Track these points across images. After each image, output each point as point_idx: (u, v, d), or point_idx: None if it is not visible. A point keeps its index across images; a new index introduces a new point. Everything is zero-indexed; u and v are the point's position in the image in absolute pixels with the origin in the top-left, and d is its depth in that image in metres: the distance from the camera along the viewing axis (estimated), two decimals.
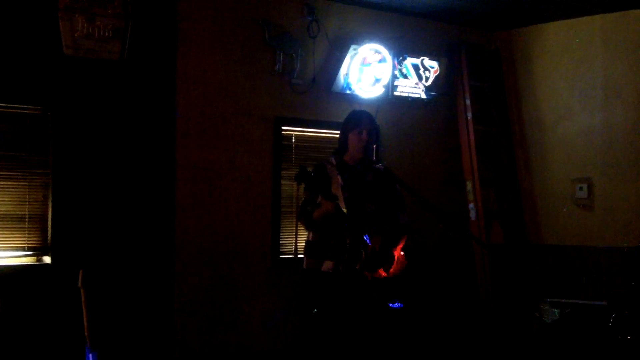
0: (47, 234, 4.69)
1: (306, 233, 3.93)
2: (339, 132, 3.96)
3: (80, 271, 3.95)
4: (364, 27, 5.88)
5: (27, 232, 4.64)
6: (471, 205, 6.34)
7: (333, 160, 3.89)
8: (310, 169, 3.64)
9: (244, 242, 5.32)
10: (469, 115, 6.36)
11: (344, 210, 3.58)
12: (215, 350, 5.16)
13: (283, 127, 5.58)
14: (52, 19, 4.43)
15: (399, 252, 3.79)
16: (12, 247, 4.61)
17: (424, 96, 6.09)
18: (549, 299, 5.68)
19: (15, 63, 4.53)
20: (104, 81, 4.78)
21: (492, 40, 6.71)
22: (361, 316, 3.69)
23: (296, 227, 5.62)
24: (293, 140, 5.70)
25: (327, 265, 3.71)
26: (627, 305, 4.82)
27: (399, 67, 5.92)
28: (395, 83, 5.92)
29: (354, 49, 5.64)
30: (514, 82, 6.65)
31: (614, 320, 4.80)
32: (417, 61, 6.01)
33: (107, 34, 4.53)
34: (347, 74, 5.67)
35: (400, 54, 5.90)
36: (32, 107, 4.66)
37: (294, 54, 5.48)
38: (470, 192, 6.35)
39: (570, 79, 6.30)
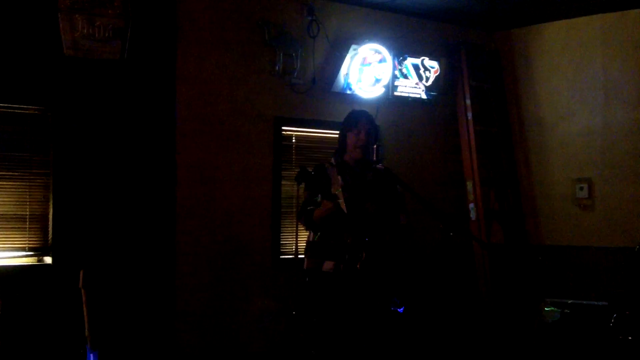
0: (48, 234, 4.68)
1: (307, 233, 3.93)
2: (339, 132, 3.97)
3: (81, 271, 3.95)
4: (364, 27, 5.88)
5: (28, 232, 4.64)
6: (471, 206, 6.35)
7: (333, 161, 3.89)
8: (310, 169, 3.65)
9: (245, 243, 5.32)
10: (469, 115, 6.37)
11: (344, 209, 3.58)
12: (215, 350, 5.15)
13: (283, 127, 5.58)
14: (52, 19, 4.43)
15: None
16: (13, 247, 4.60)
17: (424, 96, 6.09)
18: (549, 299, 5.68)
19: (16, 63, 4.53)
20: (104, 81, 4.78)
21: (492, 41, 6.72)
22: (361, 317, 3.69)
23: (296, 227, 5.62)
24: (293, 141, 5.70)
25: (328, 265, 3.71)
26: (628, 306, 4.82)
27: (399, 67, 5.92)
28: (396, 83, 5.93)
29: (354, 49, 5.64)
30: (514, 82, 6.65)
31: (615, 320, 4.80)
32: (418, 61, 6.02)
33: (107, 34, 4.53)
34: (347, 74, 5.67)
35: (400, 54, 5.90)
36: (33, 107, 4.65)
37: (294, 54, 5.48)
38: (471, 192, 6.35)
39: (570, 79, 6.30)
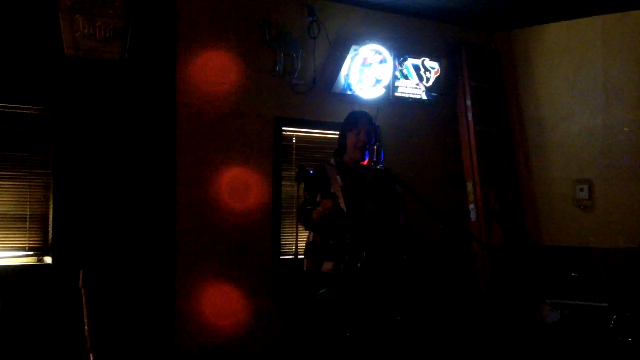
0: (48, 234, 4.68)
1: (307, 234, 3.93)
2: (339, 132, 3.97)
3: (81, 271, 3.95)
4: (364, 28, 5.88)
5: (28, 232, 4.63)
6: (471, 206, 6.35)
7: (333, 161, 3.89)
8: (309, 169, 3.65)
9: (245, 243, 5.31)
10: (470, 115, 6.37)
11: (344, 209, 3.58)
12: (215, 350, 5.15)
13: (283, 128, 5.58)
14: (52, 19, 4.43)
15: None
16: (13, 247, 4.60)
17: (424, 97, 6.09)
18: (549, 300, 5.68)
19: (16, 63, 4.52)
20: (104, 81, 4.78)
21: (492, 41, 6.72)
22: (361, 318, 3.69)
23: (296, 228, 5.62)
24: (293, 141, 5.70)
25: (327, 266, 3.71)
26: (628, 307, 4.82)
27: (400, 68, 5.92)
28: (396, 84, 5.92)
29: (355, 50, 5.64)
30: (514, 82, 6.65)
31: (614, 321, 4.80)
32: (418, 62, 6.02)
33: (107, 34, 4.53)
34: (347, 75, 5.66)
35: (401, 54, 5.90)
36: (33, 107, 4.65)
37: (294, 55, 5.48)
38: (471, 193, 6.35)
39: (571, 80, 6.30)
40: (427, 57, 6.06)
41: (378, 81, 5.79)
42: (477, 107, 6.48)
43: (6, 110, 4.58)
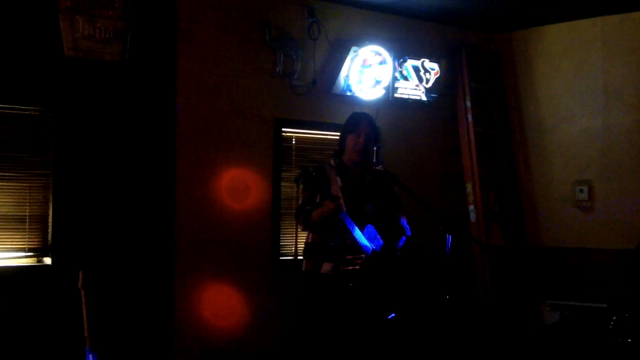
0: (48, 235, 4.69)
1: (306, 235, 3.93)
2: (339, 133, 3.97)
3: (81, 272, 3.95)
4: (364, 29, 5.89)
5: (27, 233, 4.64)
6: (471, 207, 6.35)
7: (332, 162, 3.90)
8: (311, 170, 3.65)
9: (244, 244, 5.32)
10: (470, 117, 6.37)
11: (345, 211, 3.58)
12: (214, 351, 5.15)
13: (283, 129, 5.58)
14: (53, 20, 4.43)
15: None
16: (12, 248, 4.61)
17: (424, 98, 6.09)
18: (549, 301, 5.68)
19: (16, 64, 4.53)
20: (104, 82, 4.79)
21: (492, 42, 6.72)
22: (359, 319, 3.70)
23: (296, 229, 5.62)
24: (293, 142, 5.70)
25: (326, 267, 3.72)
26: (628, 308, 4.81)
27: (400, 69, 5.92)
28: (396, 85, 5.92)
29: (355, 51, 5.64)
30: (514, 84, 6.65)
31: (614, 322, 4.79)
32: (418, 63, 6.02)
33: (107, 35, 4.53)
34: (347, 76, 5.66)
35: (400, 55, 5.90)
36: (33, 108, 4.66)
37: (294, 56, 5.48)
38: (470, 194, 6.35)
39: (571, 82, 6.30)
40: (427, 58, 6.07)
41: (378, 82, 5.79)
42: (477, 108, 6.48)
43: (6, 111, 4.59)
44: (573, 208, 6.24)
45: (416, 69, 6.01)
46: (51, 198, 4.67)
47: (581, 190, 6.18)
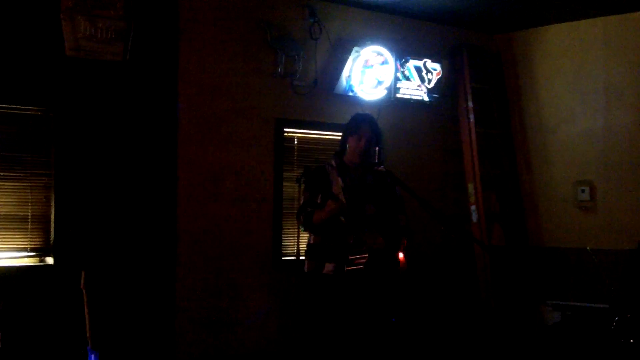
0: (50, 235, 4.69)
1: (307, 235, 3.93)
2: (341, 134, 3.97)
3: (83, 272, 3.97)
4: (366, 29, 5.89)
5: (29, 233, 4.64)
6: (472, 208, 6.34)
7: (333, 163, 3.89)
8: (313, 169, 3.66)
9: (246, 244, 5.32)
10: (471, 117, 6.37)
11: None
12: (215, 351, 5.15)
13: (285, 129, 5.58)
14: (54, 20, 4.43)
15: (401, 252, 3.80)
16: (14, 248, 4.61)
17: (426, 98, 6.09)
18: (550, 302, 5.68)
19: (18, 64, 4.54)
20: (106, 82, 4.79)
21: (494, 43, 6.72)
22: (359, 320, 3.70)
23: (298, 229, 5.61)
24: (295, 142, 5.70)
25: (328, 267, 3.71)
26: (630, 308, 4.81)
27: (402, 69, 5.92)
28: (398, 85, 5.92)
29: (356, 51, 5.64)
30: (515, 84, 6.65)
31: (616, 323, 4.79)
32: (420, 63, 6.02)
33: (109, 36, 4.53)
34: (349, 76, 5.66)
35: (402, 56, 5.90)
36: (35, 108, 4.66)
37: (295, 56, 5.48)
38: (472, 195, 6.35)
39: (572, 82, 6.30)
40: (429, 58, 6.06)
41: (380, 82, 5.79)
42: (479, 109, 6.48)
43: (8, 111, 4.59)
44: (574, 208, 6.25)
45: (418, 69, 6.01)
46: (53, 198, 4.68)
47: (582, 191, 6.18)
